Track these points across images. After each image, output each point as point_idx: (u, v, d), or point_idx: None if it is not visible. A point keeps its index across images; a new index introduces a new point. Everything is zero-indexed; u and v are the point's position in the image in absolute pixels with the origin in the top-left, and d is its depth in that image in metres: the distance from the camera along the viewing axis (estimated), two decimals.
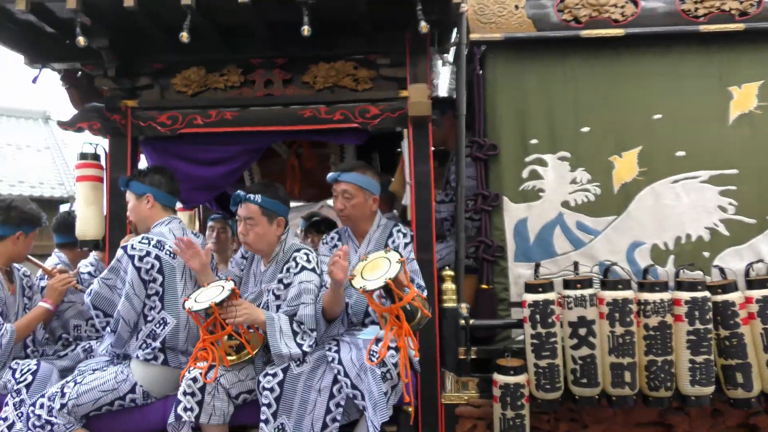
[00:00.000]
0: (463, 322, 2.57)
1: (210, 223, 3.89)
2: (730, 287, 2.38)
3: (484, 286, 2.73)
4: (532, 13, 2.84)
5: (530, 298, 2.36)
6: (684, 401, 2.35)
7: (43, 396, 2.41)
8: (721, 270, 2.65)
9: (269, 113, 2.90)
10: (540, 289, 2.37)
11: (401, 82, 2.88)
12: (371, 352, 2.25)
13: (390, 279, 2.11)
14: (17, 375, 2.57)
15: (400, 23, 2.70)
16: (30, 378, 2.54)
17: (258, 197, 2.48)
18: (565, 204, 2.81)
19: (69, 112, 3.23)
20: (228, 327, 2.31)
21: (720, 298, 2.34)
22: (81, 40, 2.50)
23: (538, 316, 2.33)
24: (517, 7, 2.84)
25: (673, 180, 2.81)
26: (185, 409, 2.28)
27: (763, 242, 2.76)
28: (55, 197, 12.50)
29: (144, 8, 2.45)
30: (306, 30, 2.43)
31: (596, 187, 2.82)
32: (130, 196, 2.66)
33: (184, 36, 2.43)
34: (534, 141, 2.85)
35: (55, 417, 2.36)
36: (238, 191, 2.51)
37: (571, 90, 2.86)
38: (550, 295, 2.36)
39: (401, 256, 2.15)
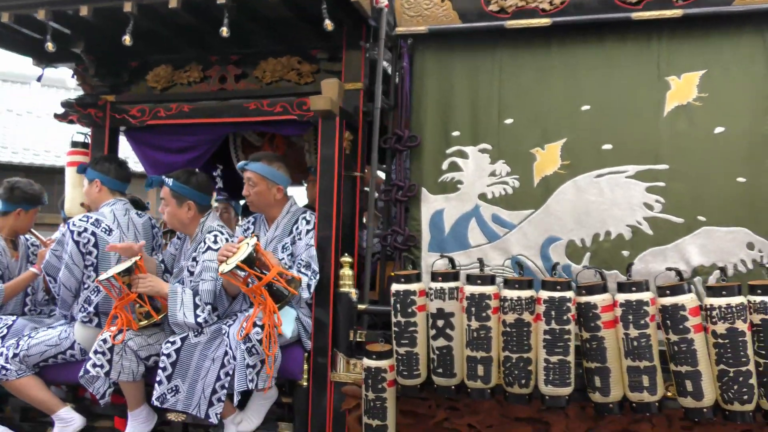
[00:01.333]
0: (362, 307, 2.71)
1: (214, 205, 4.28)
2: (597, 289, 2.29)
3: (392, 273, 2.82)
4: (459, 4, 2.85)
5: (394, 288, 2.43)
6: (542, 400, 2.31)
7: (3, 345, 2.91)
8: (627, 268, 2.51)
9: (220, 106, 3.18)
10: (402, 280, 2.43)
11: (339, 76, 3.02)
12: (241, 329, 2.46)
13: (240, 261, 2.31)
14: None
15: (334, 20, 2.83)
16: (5, 331, 3.04)
17: (169, 181, 2.79)
18: (483, 196, 2.80)
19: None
20: (131, 295, 2.63)
21: (583, 299, 2.26)
22: (49, 46, 2.93)
23: (399, 306, 2.40)
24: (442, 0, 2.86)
25: (597, 174, 2.70)
26: (94, 366, 2.65)
27: (691, 243, 2.57)
28: (57, 166, 12.62)
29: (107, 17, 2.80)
30: (225, 31, 2.67)
31: (515, 180, 2.78)
32: (84, 181, 3.07)
33: (127, 39, 2.77)
34: (456, 133, 2.86)
35: (9, 364, 2.83)
36: (154, 176, 2.83)
37: (496, 82, 2.83)
38: (412, 287, 2.41)
39: (257, 240, 2.34)
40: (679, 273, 2.43)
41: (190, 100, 3.23)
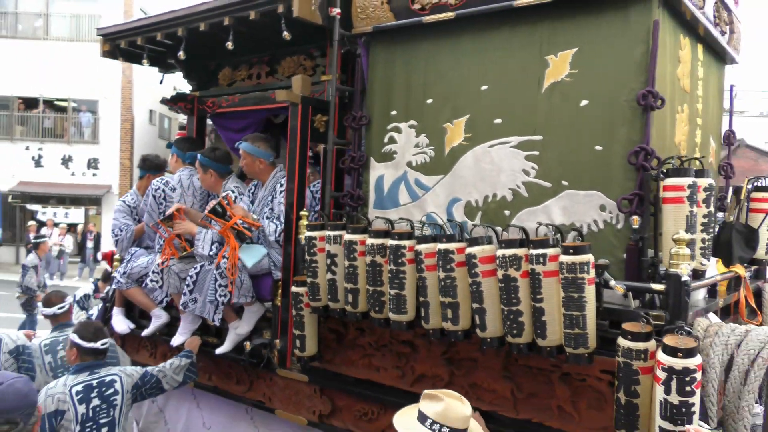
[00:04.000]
0: None
1: None
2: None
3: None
4: (393, 5, 3.45)
5: (305, 234, 3.26)
6: (409, 327, 2.97)
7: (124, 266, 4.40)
8: (485, 228, 2.98)
9: (256, 97, 4.22)
10: (309, 229, 3.25)
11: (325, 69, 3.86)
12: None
13: (208, 212, 3.36)
14: (127, 255, 4.59)
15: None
16: (129, 257, 4.53)
17: (199, 156, 3.94)
18: (409, 164, 3.43)
19: None
20: (172, 235, 3.87)
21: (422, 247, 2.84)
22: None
23: (306, 248, 3.24)
24: (382, 2, 3.49)
25: (489, 145, 3.16)
26: (152, 281, 3.97)
27: (555, 205, 2.94)
28: None
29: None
30: (230, 45, 3.71)
31: (432, 150, 3.35)
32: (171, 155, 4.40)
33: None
34: (394, 112, 3.50)
35: (122, 278, 4.31)
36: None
37: (422, 68, 3.39)
38: (314, 233, 3.21)
39: (225, 197, 3.39)
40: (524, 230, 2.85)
41: (240, 93, 4.34)
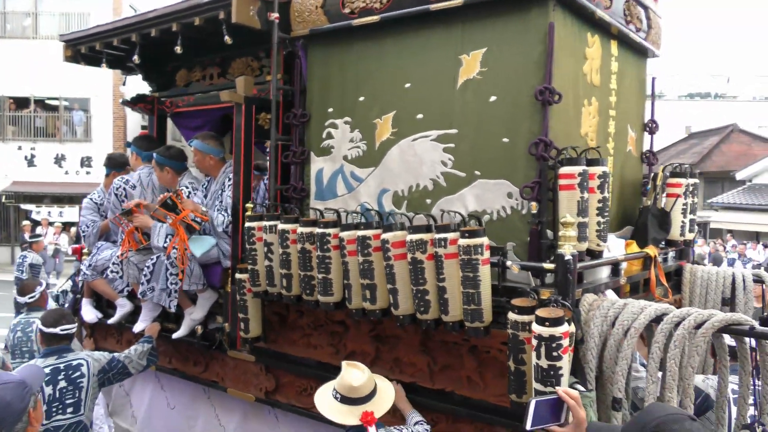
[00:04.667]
0: None
1: None
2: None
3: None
4: (327, 9, 3.69)
5: (246, 225, 3.52)
6: (336, 306, 3.24)
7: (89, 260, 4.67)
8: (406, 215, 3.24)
9: (207, 97, 4.47)
10: (249, 220, 3.50)
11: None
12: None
13: (159, 206, 3.62)
14: (95, 249, 4.85)
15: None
16: (95, 250, 4.79)
17: (155, 155, 4.19)
18: (345, 157, 3.68)
19: None
20: (131, 227, 4.13)
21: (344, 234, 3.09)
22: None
23: (246, 237, 3.50)
24: (316, 6, 3.72)
25: (413, 138, 3.40)
26: (112, 272, 4.23)
27: (469, 193, 3.19)
28: None
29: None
30: (178, 49, 3.96)
31: (364, 144, 3.60)
32: (128, 152, 4.65)
33: (134, 59, 4.22)
34: (330, 109, 3.74)
35: (88, 270, 4.58)
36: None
37: (354, 68, 3.63)
38: (253, 224, 3.47)
39: (174, 193, 3.64)
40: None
41: (194, 93, 4.59)
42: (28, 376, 2.36)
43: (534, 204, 2.90)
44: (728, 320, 2.41)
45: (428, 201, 3.33)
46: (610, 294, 3.05)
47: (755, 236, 22.52)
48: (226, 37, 3.75)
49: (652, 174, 4.01)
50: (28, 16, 21.99)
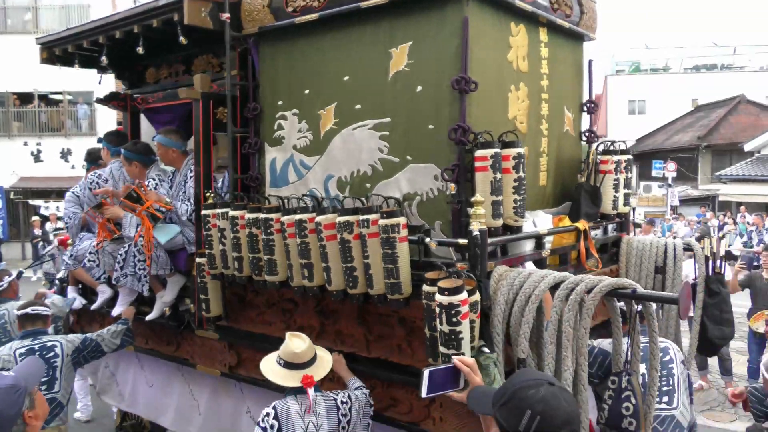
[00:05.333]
0: None
1: None
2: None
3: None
4: (273, 7, 3.93)
5: (202, 212, 3.81)
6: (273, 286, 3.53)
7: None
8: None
9: (172, 93, 4.74)
10: (204, 208, 3.79)
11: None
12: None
13: (123, 198, 3.91)
14: (77, 240, 5.17)
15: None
16: (77, 241, 5.11)
17: (122, 150, 4.48)
18: (295, 147, 3.94)
19: None
20: (103, 219, 4.43)
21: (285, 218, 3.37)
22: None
23: (201, 223, 3.79)
24: (264, 6, 3.97)
25: (353, 127, 3.65)
26: (89, 261, 4.54)
27: (403, 177, 3.44)
28: None
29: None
30: (140, 50, 4.23)
31: (311, 134, 3.85)
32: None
33: (102, 59, 4.50)
34: (280, 102, 4.00)
35: (69, 260, 4.90)
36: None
37: (300, 63, 3.88)
38: (207, 211, 3.76)
39: (138, 185, 3.92)
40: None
41: (162, 90, 4.86)
42: (25, 373, 2.25)
43: (452, 185, 3.15)
44: (615, 284, 2.66)
45: (368, 185, 3.59)
46: (529, 265, 3.31)
47: (765, 207, 22.57)
48: (181, 38, 4.01)
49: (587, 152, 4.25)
50: (28, 11, 22.27)
